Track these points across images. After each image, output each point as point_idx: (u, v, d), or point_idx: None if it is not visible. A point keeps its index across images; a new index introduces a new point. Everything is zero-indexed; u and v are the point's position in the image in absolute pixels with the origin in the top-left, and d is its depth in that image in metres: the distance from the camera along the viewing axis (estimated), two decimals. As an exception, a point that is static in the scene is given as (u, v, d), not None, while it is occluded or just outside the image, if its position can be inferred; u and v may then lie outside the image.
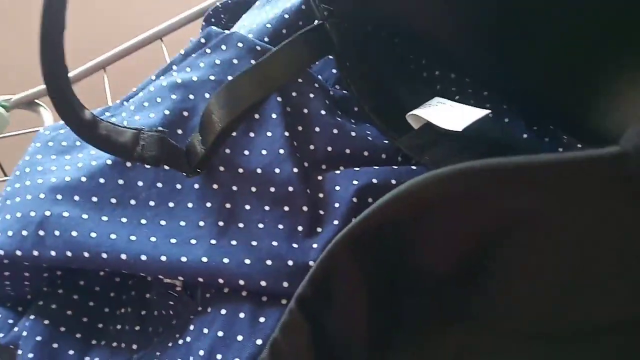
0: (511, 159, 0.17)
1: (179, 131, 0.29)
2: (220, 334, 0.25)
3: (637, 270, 0.19)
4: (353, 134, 0.29)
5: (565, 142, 0.33)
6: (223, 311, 0.26)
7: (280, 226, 0.26)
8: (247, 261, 0.25)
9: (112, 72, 0.58)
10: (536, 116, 0.34)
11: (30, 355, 0.30)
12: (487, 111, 0.28)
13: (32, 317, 0.32)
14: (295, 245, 0.26)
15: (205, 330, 0.26)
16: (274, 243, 0.26)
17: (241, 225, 0.27)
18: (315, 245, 0.26)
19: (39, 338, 0.31)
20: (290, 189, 0.27)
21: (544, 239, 0.19)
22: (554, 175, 0.17)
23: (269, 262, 0.25)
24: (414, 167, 0.29)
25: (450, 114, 0.29)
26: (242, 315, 0.25)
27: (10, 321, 0.34)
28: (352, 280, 0.22)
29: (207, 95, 0.29)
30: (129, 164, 0.28)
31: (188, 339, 0.27)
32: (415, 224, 0.21)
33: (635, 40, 0.25)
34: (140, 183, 0.28)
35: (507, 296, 0.21)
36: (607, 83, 0.28)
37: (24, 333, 0.31)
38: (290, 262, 0.25)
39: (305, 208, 0.27)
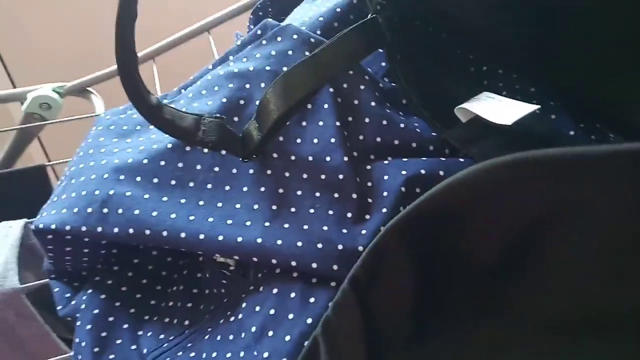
0: (569, 149, 0.18)
1: (235, 118, 0.30)
2: (272, 311, 0.26)
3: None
4: (402, 125, 0.30)
5: (612, 140, 0.33)
6: (275, 290, 0.27)
7: (330, 212, 0.27)
8: (299, 243, 0.26)
9: (160, 62, 0.60)
10: (583, 113, 0.34)
11: (89, 326, 0.32)
12: (536, 106, 0.29)
13: (89, 291, 0.34)
14: (344, 231, 0.27)
15: (257, 308, 0.27)
16: (325, 227, 0.27)
17: (293, 209, 0.28)
18: (364, 232, 0.27)
19: (96, 311, 0.33)
20: (341, 176, 0.28)
21: (588, 230, 0.20)
22: (609, 167, 0.17)
23: (319, 246, 0.26)
24: (461, 160, 0.29)
25: (499, 108, 0.29)
26: (293, 294, 0.26)
27: (68, 295, 0.36)
28: (399, 265, 0.23)
29: (262, 85, 0.30)
30: (188, 148, 0.30)
31: (240, 316, 0.28)
32: (466, 212, 0.21)
33: None
34: (198, 166, 0.30)
35: (545, 288, 0.22)
36: None
37: (82, 306, 0.33)
38: (340, 247, 0.26)
39: (354, 195, 0.28)
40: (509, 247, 0.22)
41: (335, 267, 0.26)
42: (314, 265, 0.26)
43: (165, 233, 0.28)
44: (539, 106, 0.29)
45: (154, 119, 0.26)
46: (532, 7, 0.29)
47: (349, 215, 0.27)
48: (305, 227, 0.27)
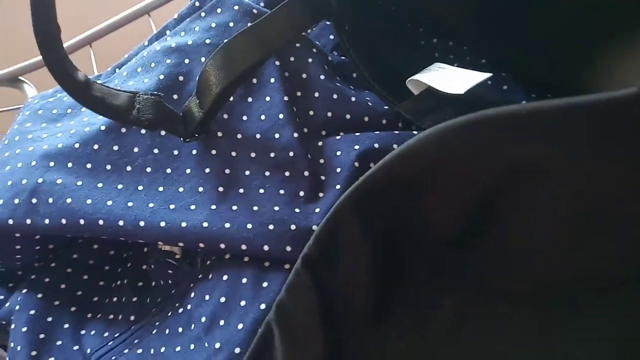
0: (523, 105, 0.17)
1: (175, 96, 0.28)
2: (222, 299, 0.25)
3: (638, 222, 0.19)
4: (353, 99, 0.29)
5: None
6: (225, 277, 0.25)
7: (282, 191, 0.26)
8: (249, 226, 0.25)
9: (98, 48, 0.56)
10: (534, 84, 0.34)
11: (24, 328, 0.30)
12: (488, 74, 0.28)
13: (24, 291, 0.31)
14: (297, 210, 0.25)
15: (207, 297, 0.25)
16: (276, 208, 0.25)
17: (241, 190, 0.26)
18: (317, 210, 0.25)
19: (32, 312, 0.30)
20: (291, 154, 0.27)
21: (545, 192, 0.19)
22: (569, 121, 0.17)
23: (271, 227, 0.25)
24: (415, 132, 0.28)
25: (451, 78, 0.28)
26: (244, 280, 0.25)
27: (1, 297, 0.33)
28: (355, 240, 0.22)
29: (202, 60, 0.29)
30: (123, 130, 0.28)
31: (189, 306, 0.26)
32: (420, 180, 0.20)
33: (630, 13, 0.25)
34: (136, 149, 0.27)
35: (505, 256, 0.21)
36: (605, 53, 0.28)
37: (17, 307, 0.30)
38: (292, 227, 0.25)
39: (306, 173, 0.26)
40: (467, 215, 0.21)
41: (288, 248, 0.25)
42: (266, 247, 0.24)
43: (101, 222, 0.26)
44: (490, 74, 0.28)
45: (82, 98, 0.24)
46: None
47: (302, 193, 0.26)
48: (255, 208, 0.25)
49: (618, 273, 0.21)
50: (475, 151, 0.18)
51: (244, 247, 0.25)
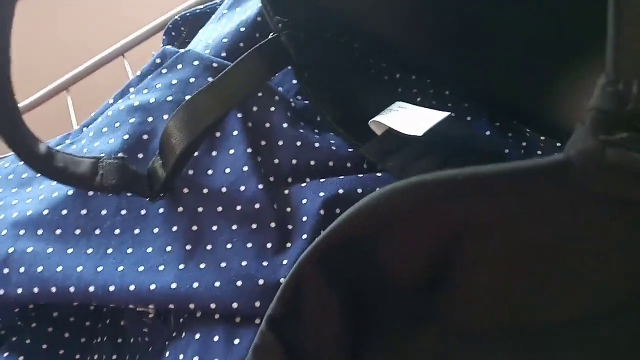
0: (460, 170, 0.18)
1: (140, 155, 0.28)
2: (195, 359, 0.25)
3: (591, 268, 0.19)
4: (317, 144, 0.29)
5: (529, 137, 0.33)
6: (197, 335, 0.25)
7: (249, 245, 0.26)
8: (217, 284, 0.25)
9: (76, 92, 0.56)
10: (498, 112, 0.34)
11: (7, 393, 0.30)
12: (447, 113, 0.29)
13: (6, 354, 0.31)
14: (265, 263, 0.26)
15: (181, 356, 0.25)
16: (244, 263, 0.26)
17: (209, 247, 0.26)
18: (285, 262, 0.26)
19: (14, 375, 0.30)
20: (257, 206, 0.27)
21: (494, 243, 0.19)
22: (504, 185, 0.17)
23: (239, 283, 0.25)
24: (379, 175, 0.29)
25: (410, 118, 0.29)
26: (216, 338, 0.25)
27: (-16, 359, 0.33)
28: (320, 295, 0.22)
29: (165, 117, 0.29)
30: (91, 193, 0.28)
31: (164, 365, 0.26)
32: (376, 236, 0.21)
33: (583, 42, 0.26)
34: (103, 211, 0.28)
35: (469, 299, 0.22)
36: (559, 81, 0.28)
37: (-1, 371, 0.31)
38: (260, 281, 0.25)
39: (273, 224, 0.27)
40: (425, 265, 0.21)
41: (257, 304, 0.25)
42: (235, 305, 0.25)
43: (72, 289, 0.26)
44: (449, 113, 0.29)
45: (45, 170, 0.24)
46: (442, 16, 0.29)
47: (269, 245, 0.26)
48: (223, 264, 0.26)
49: (586, 311, 0.21)
50: (422, 211, 0.19)
51: (213, 305, 0.25)
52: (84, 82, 0.57)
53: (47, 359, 0.31)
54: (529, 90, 0.31)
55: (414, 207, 0.19)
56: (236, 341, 0.25)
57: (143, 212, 0.28)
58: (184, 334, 0.26)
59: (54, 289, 0.26)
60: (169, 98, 0.29)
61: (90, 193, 0.28)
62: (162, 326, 0.28)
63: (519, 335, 0.22)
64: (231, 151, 0.28)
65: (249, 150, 0.28)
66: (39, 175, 0.31)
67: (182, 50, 0.30)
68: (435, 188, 0.17)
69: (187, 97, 0.29)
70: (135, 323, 0.29)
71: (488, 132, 0.33)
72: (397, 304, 0.23)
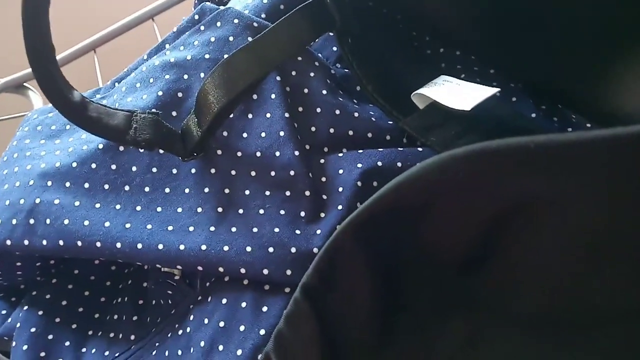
0: (532, 138, 0.16)
1: (174, 113, 0.28)
2: (221, 324, 0.24)
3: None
4: (356, 114, 0.28)
5: (575, 122, 0.32)
6: (224, 300, 0.25)
7: (282, 212, 0.25)
8: (248, 249, 0.24)
9: (102, 53, 0.56)
10: (544, 95, 0.32)
11: (25, 347, 0.29)
12: (496, 89, 0.27)
13: (25, 307, 0.31)
14: (297, 232, 0.25)
15: (206, 321, 0.25)
16: (276, 229, 0.25)
17: (241, 211, 0.26)
18: (318, 232, 0.25)
19: (33, 329, 0.30)
20: (292, 172, 0.26)
21: (554, 223, 0.18)
22: (579, 156, 0.16)
23: (270, 250, 0.24)
24: (420, 149, 0.27)
25: (457, 93, 0.28)
26: (244, 304, 0.24)
27: (4, 312, 0.33)
28: (357, 267, 0.21)
29: (202, 75, 0.28)
30: (122, 148, 0.27)
31: (188, 329, 0.26)
32: (422, 209, 0.20)
33: (637, 26, 0.24)
34: (134, 168, 0.27)
35: (513, 282, 0.21)
36: (610, 66, 0.27)
37: (18, 324, 0.30)
38: (293, 250, 0.24)
39: (307, 193, 0.26)
40: (471, 243, 0.20)
41: (288, 272, 0.24)
42: (265, 271, 0.24)
43: (98, 244, 0.25)
44: (498, 89, 0.27)
45: (77, 119, 0.24)
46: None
47: (302, 214, 0.25)
48: (255, 230, 0.25)
49: (634, 304, 0.20)
50: (479, 183, 0.18)
51: (242, 270, 0.24)
52: (111, 45, 0.56)
53: (66, 316, 0.31)
54: (578, 75, 0.30)
55: (472, 177, 0.17)
56: (264, 309, 0.24)
57: (174, 171, 0.27)
58: (210, 298, 0.25)
59: (79, 243, 0.25)
60: (207, 56, 0.28)
61: (121, 148, 0.27)
62: (187, 289, 0.27)
63: (558, 324, 0.21)
64: (268, 115, 0.27)
65: (286, 115, 0.27)
66: (68, 127, 0.30)
67: (221, 8, 0.29)
68: (502, 156, 0.16)
69: (225, 56, 0.28)
70: (159, 284, 0.28)
71: (534, 115, 0.31)
72: (430, 285, 0.22)
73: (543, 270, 0.20)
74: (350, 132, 0.28)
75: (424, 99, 0.29)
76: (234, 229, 0.25)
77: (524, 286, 0.20)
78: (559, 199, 0.17)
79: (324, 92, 0.28)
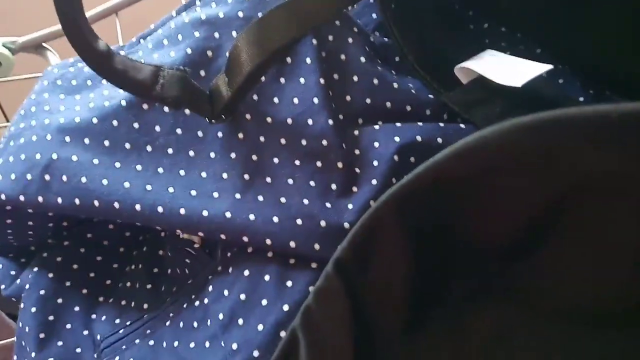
0: (609, 107, 0.15)
1: (202, 73, 0.26)
2: (242, 296, 0.23)
3: None
4: (395, 85, 0.26)
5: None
6: (246, 272, 0.23)
7: (312, 183, 0.24)
8: (275, 219, 0.23)
9: (124, 17, 0.54)
10: (591, 80, 0.30)
11: (33, 309, 0.28)
12: (549, 66, 0.25)
13: (35, 269, 0.30)
14: (328, 205, 0.23)
15: (226, 292, 0.23)
16: (305, 201, 0.23)
17: (269, 179, 0.24)
18: (350, 206, 0.23)
19: (42, 292, 0.29)
20: (324, 142, 0.24)
21: (624, 208, 0.16)
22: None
23: (299, 222, 0.23)
24: (462, 126, 0.26)
25: (506, 68, 0.26)
26: (267, 277, 0.23)
27: (13, 272, 0.32)
28: (394, 245, 0.19)
29: (234, 34, 0.26)
30: (145, 106, 0.25)
31: (206, 300, 0.24)
32: (471, 187, 0.18)
33: None
34: (157, 128, 0.25)
35: (563, 273, 0.19)
36: None
37: (27, 286, 0.29)
38: (322, 223, 0.23)
39: (340, 165, 0.24)
40: (524, 226, 0.18)
41: (317, 246, 0.22)
42: (292, 244, 0.22)
43: (117, 205, 0.24)
44: (551, 66, 0.25)
45: (103, 69, 0.22)
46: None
47: (334, 187, 0.24)
48: (283, 200, 0.23)
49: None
50: (547, 156, 0.16)
51: (268, 241, 0.23)
52: (134, 9, 0.54)
53: (77, 279, 0.30)
54: (628, 60, 0.28)
55: (537, 150, 0.16)
56: (289, 283, 0.22)
57: (200, 134, 0.25)
58: (230, 270, 0.24)
59: (97, 203, 0.24)
60: (240, 14, 0.26)
61: (145, 107, 0.26)
62: (207, 258, 0.25)
63: (598, 321, 0.19)
64: (302, 80, 0.25)
65: (322, 81, 0.25)
66: (89, 83, 0.29)
67: (258, -36, 0.27)
68: (576, 127, 0.14)
69: (260, 15, 0.26)
70: (177, 252, 0.27)
71: (581, 99, 0.29)
72: (467, 271, 0.20)
73: (595, 262, 0.18)
74: (388, 104, 0.26)
75: (468, 73, 0.27)
76: (260, 198, 0.23)
77: (570, 278, 0.19)
78: (630, 180, 0.16)
79: (362, 59, 0.26)
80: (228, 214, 0.23)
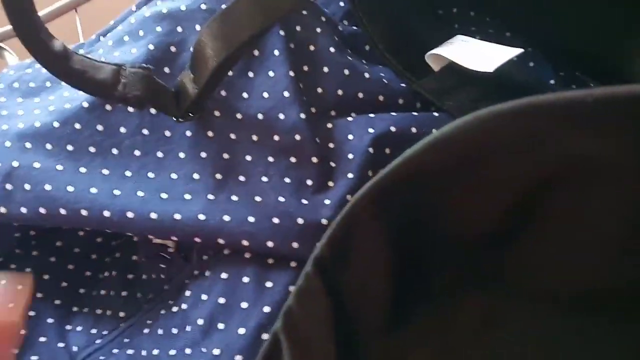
0: (585, 91, 0.14)
1: (166, 69, 0.25)
2: (221, 300, 0.22)
3: None
4: (366, 75, 0.26)
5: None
6: (224, 275, 0.23)
7: (287, 180, 0.23)
8: (251, 219, 0.22)
9: (84, 13, 0.52)
10: (561, 62, 0.31)
11: (3, 324, 0.27)
12: (520, 50, 0.25)
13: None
14: (304, 202, 0.23)
15: (204, 297, 0.23)
16: (281, 199, 0.23)
17: (242, 178, 0.23)
18: (327, 202, 0.23)
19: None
20: (297, 137, 0.24)
21: (605, 191, 0.16)
22: (636, 112, 0.14)
23: (275, 220, 0.22)
24: (435, 114, 0.25)
25: (477, 53, 0.25)
26: (245, 279, 0.22)
27: (-20, 286, 0.30)
28: (372, 240, 0.19)
29: (197, 28, 0.25)
30: (109, 107, 0.24)
31: (184, 306, 0.24)
32: (450, 177, 0.18)
33: None
34: (122, 129, 0.24)
35: (544, 259, 0.19)
36: (634, 34, 0.25)
37: (-5, 300, 0.28)
38: (299, 220, 0.22)
39: (314, 159, 0.24)
40: (505, 213, 0.18)
41: (295, 244, 0.22)
42: (270, 243, 0.22)
43: (84, 212, 0.23)
44: (522, 50, 0.25)
45: (60, 71, 0.21)
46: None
47: (309, 182, 0.23)
48: (258, 198, 0.23)
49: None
50: (526, 142, 0.16)
51: (245, 242, 0.22)
52: (93, 4, 0.52)
53: (49, 290, 0.28)
54: (599, 42, 0.28)
55: (517, 136, 0.15)
56: (268, 284, 0.22)
57: (168, 133, 0.24)
58: (208, 273, 0.23)
59: (63, 211, 0.23)
60: (203, 6, 0.25)
61: (108, 108, 0.24)
62: (182, 263, 0.25)
63: (585, 305, 0.19)
64: (271, 73, 0.25)
65: (291, 73, 0.24)
66: (49, 85, 0.27)
67: (219, -46, 0.26)
68: (555, 111, 0.14)
69: (223, 7, 0.25)
70: (151, 258, 0.26)
71: (552, 81, 0.29)
72: (449, 261, 0.20)
73: (580, 245, 0.18)
74: (361, 95, 0.25)
75: (440, 60, 0.27)
76: (234, 198, 0.23)
77: (555, 262, 0.19)
78: (609, 163, 0.16)
79: (332, 49, 0.26)
80: (201, 216, 0.22)
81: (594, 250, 0.18)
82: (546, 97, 0.15)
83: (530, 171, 0.16)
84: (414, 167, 0.17)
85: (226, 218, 0.22)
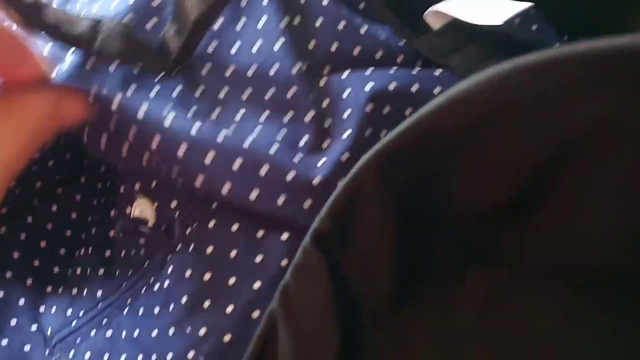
0: (631, 38, 0.13)
1: (148, 25, 0.22)
2: (206, 276, 0.20)
3: None
4: (363, 30, 0.24)
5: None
6: (209, 249, 0.21)
7: (279, 138, 0.21)
8: (239, 160, 0.20)
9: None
10: (566, 27, 0.29)
11: (-30, 307, 0.25)
12: (529, 4, 0.23)
13: (-32, 261, 0.26)
14: (296, 160, 0.21)
15: (188, 273, 0.21)
16: (271, 152, 0.21)
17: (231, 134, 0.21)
18: (320, 163, 0.21)
19: (-21, 286, 0.25)
20: (290, 93, 0.22)
21: (619, 161, 0.15)
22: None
23: (264, 169, 0.20)
24: (436, 74, 0.23)
25: (481, 8, 0.24)
26: (233, 254, 0.20)
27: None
28: (377, 212, 0.17)
29: (179, -22, 0.23)
30: (88, 67, 0.22)
31: (166, 283, 0.22)
32: (461, 142, 0.16)
33: None
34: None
35: (558, 236, 0.17)
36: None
37: (-39, 281, 0.26)
38: (289, 175, 0.20)
39: (307, 118, 0.22)
40: (517, 184, 0.16)
41: (280, 199, 0.20)
42: (254, 194, 0.20)
43: None
44: (530, 4, 0.23)
45: (32, 23, 0.18)
46: None
47: (302, 142, 0.21)
48: (246, 146, 0.21)
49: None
50: (545, 103, 0.14)
51: (227, 185, 0.20)
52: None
53: (20, 270, 0.26)
54: (611, 9, 0.26)
55: (535, 96, 0.14)
56: (258, 259, 0.20)
57: (151, 95, 0.22)
58: (191, 247, 0.21)
59: None
60: (184, -45, 0.23)
61: (88, 67, 0.22)
62: (163, 237, 0.23)
63: (600, 284, 0.18)
64: (260, 25, 0.22)
65: (282, 25, 0.22)
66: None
67: None
68: (573, 67, 0.13)
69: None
70: (129, 233, 0.24)
71: (557, 44, 0.28)
72: (454, 239, 0.19)
73: (591, 222, 0.16)
74: (356, 50, 0.23)
75: (441, 17, 0.25)
76: (220, 139, 0.21)
77: (566, 239, 0.17)
78: (632, 128, 0.14)
79: (325, 1, 0.24)
80: (193, 133, 0.20)
81: (607, 228, 0.16)
82: (564, 49, 0.13)
83: (541, 138, 0.15)
84: (427, 128, 0.15)
85: (210, 155, 0.20)
